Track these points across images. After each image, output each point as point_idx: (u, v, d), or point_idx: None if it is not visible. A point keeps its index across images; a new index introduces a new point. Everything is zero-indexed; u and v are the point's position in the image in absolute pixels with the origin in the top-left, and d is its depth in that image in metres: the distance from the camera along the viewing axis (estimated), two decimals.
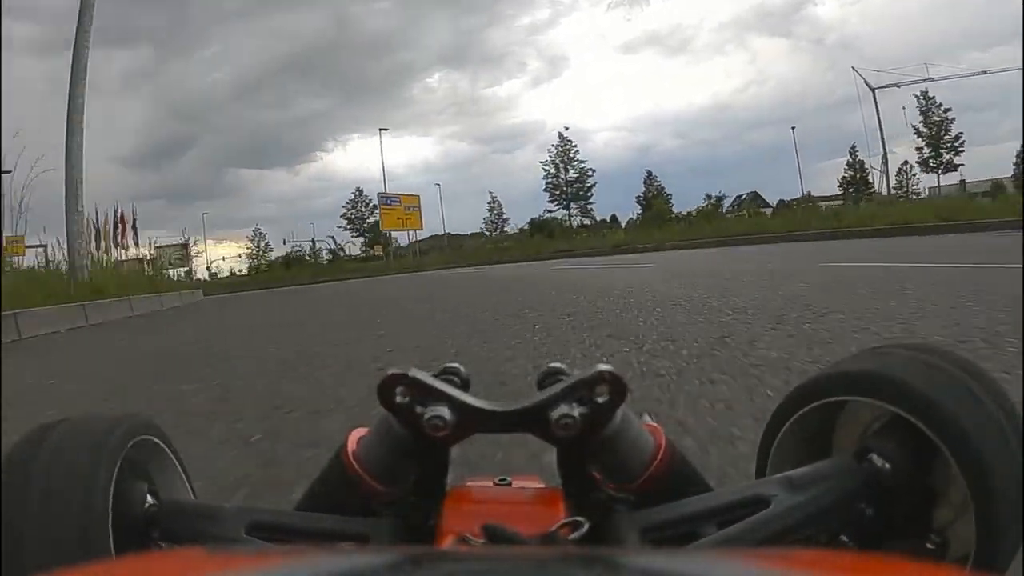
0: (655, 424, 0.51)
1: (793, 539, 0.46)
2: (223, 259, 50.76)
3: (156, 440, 0.55)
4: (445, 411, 0.43)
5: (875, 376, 0.50)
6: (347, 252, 50.34)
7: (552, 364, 0.50)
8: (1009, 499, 0.44)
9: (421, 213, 42.62)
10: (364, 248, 49.09)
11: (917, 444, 0.47)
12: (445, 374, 0.49)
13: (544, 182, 49.04)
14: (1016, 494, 0.44)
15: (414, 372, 0.44)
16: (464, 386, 0.48)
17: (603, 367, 0.43)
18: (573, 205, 48.77)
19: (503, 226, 48.59)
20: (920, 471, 0.48)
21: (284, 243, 51.16)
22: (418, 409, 0.43)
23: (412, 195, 43.00)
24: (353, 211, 52.00)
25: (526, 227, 43.50)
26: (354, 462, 0.47)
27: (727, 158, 69.16)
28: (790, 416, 0.57)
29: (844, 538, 0.49)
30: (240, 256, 50.66)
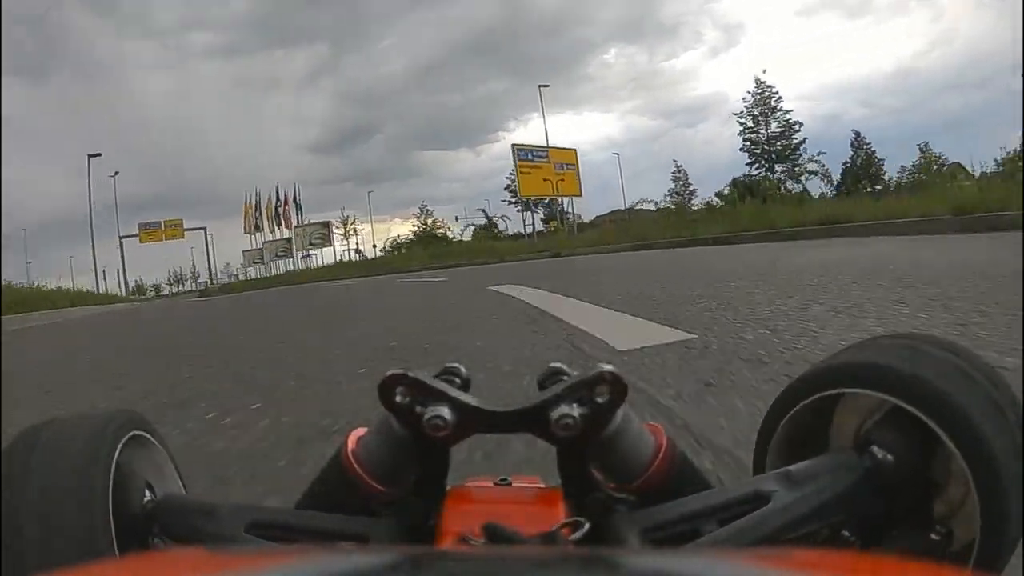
0: (656, 424, 0.51)
1: (794, 535, 0.46)
2: (397, 237, 47.39)
3: (147, 435, 0.56)
4: (445, 411, 0.43)
5: (874, 367, 0.50)
6: (502, 228, 43.29)
7: (553, 364, 0.50)
8: (1014, 487, 0.44)
9: (580, 174, 31.53)
10: (544, 224, 38.25)
11: (918, 435, 0.47)
12: (445, 374, 0.49)
13: (740, 139, 37.41)
14: (1020, 482, 0.44)
15: (414, 372, 0.44)
16: (464, 386, 0.48)
17: (604, 367, 0.43)
18: (778, 167, 36.49)
19: (690, 198, 36.58)
20: (922, 462, 0.48)
21: (456, 220, 46.68)
22: (418, 409, 0.43)
23: (566, 149, 31.95)
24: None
25: (715, 198, 27.98)
26: (354, 462, 0.47)
27: (917, 125, 63.40)
28: (788, 411, 0.57)
29: (846, 533, 0.49)
30: (409, 235, 45.78)
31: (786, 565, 0.28)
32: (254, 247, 49.74)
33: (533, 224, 34.11)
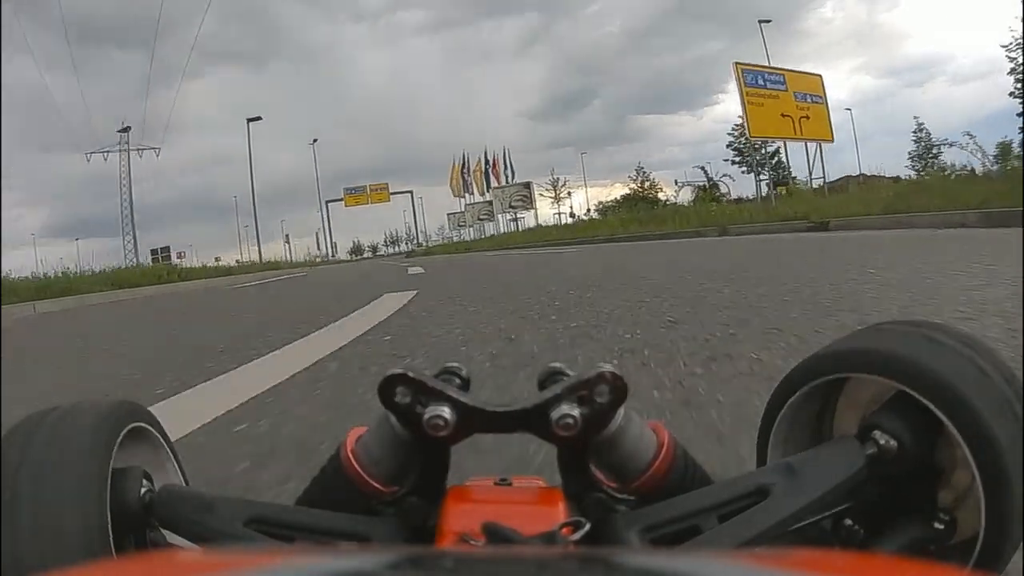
0: (658, 423, 0.50)
1: (796, 526, 0.45)
2: (598, 203, 46.36)
3: (147, 427, 0.56)
4: (446, 411, 0.43)
5: (878, 352, 0.49)
6: (723, 191, 36.34)
7: (553, 364, 0.50)
8: (1018, 477, 0.43)
9: (829, 114, 21.19)
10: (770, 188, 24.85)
11: (922, 422, 0.47)
12: (446, 374, 0.49)
13: (1000, 86, 22.52)
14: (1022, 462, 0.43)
15: (415, 372, 0.44)
16: (464, 386, 0.48)
17: (604, 367, 0.43)
18: None
19: (932, 162, 27.89)
20: (926, 449, 0.47)
21: (676, 183, 41.14)
22: (419, 409, 0.43)
23: (809, 74, 21.75)
24: (742, 138, 33.52)
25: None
26: (353, 461, 0.47)
27: None
28: (788, 397, 0.57)
29: (848, 521, 0.49)
30: (618, 198, 43.82)
31: (786, 565, 0.28)
32: (459, 210, 50.90)
33: (766, 185, 23.90)
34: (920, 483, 0.49)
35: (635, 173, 44.15)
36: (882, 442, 0.48)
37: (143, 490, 0.49)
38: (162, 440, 0.58)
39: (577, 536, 0.42)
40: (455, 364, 0.50)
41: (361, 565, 0.27)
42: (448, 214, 53.98)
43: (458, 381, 0.48)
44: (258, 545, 0.45)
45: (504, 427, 0.44)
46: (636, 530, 0.45)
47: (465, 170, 50.24)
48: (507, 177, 48.13)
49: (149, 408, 0.58)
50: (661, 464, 0.48)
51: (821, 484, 0.46)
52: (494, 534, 0.39)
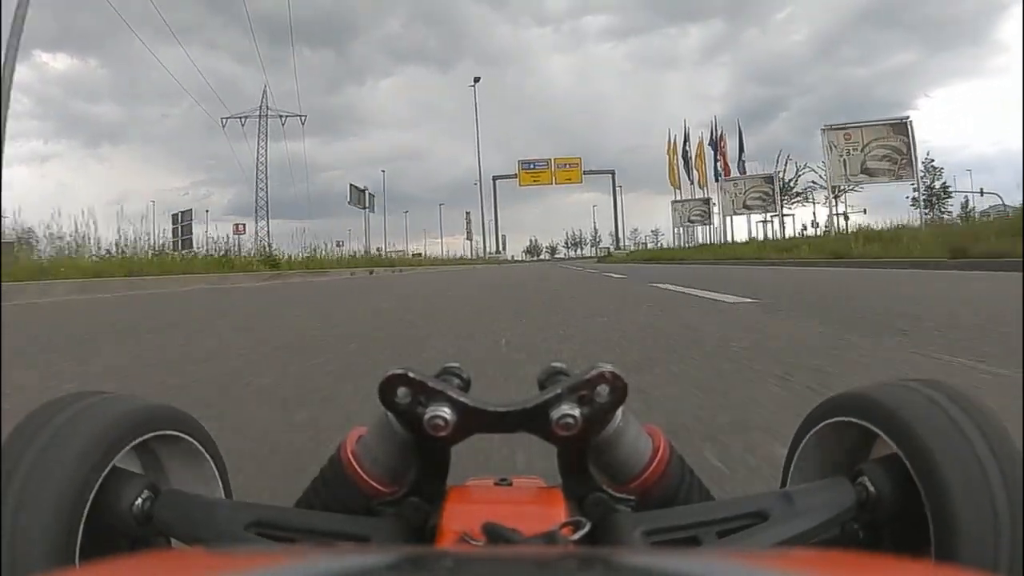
0: (654, 426, 0.51)
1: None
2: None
3: (188, 438, 0.54)
4: (446, 411, 0.43)
5: (880, 405, 0.50)
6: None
7: (553, 364, 0.50)
8: (973, 560, 0.41)
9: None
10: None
11: (906, 480, 0.46)
12: (446, 374, 0.49)
13: None
14: (983, 557, 0.41)
15: (415, 372, 0.44)
16: (465, 386, 0.48)
17: (604, 366, 0.43)
18: None
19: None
20: (908, 505, 0.47)
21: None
22: (419, 409, 0.43)
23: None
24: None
25: None
26: (353, 461, 0.47)
27: None
28: (809, 431, 0.58)
29: None
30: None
31: (786, 565, 0.28)
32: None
33: None
34: (901, 534, 0.48)
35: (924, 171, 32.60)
36: (868, 487, 0.48)
37: (141, 498, 0.48)
38: (202, 449, 0.56)
39: (577, 536, 0.42)
40: (455, 364, 0.50)
41: (361, 565, 0.27)
42: (673, 202, 42.17)
43: (458, 381, 0.48)
44: (259, 547, 0.45)
45: (504, 427, 0.44)
46: (637, 532, 0.45)
47: (687, 148, 36.66)
48: (740, 165, 35.62)
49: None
50: (658, 466, 0.48)
51: (813, 517, 0.47)
52: (494, 534, 0.39)
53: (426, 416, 0.43)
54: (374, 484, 0.47)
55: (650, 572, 0.26)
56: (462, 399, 0.44)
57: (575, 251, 70.47)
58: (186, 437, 0.55)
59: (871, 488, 0.48)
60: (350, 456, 0.48)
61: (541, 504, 0.46)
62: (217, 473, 0.58)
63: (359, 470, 0.47)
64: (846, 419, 0.53)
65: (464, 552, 0.37)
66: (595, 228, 61.36)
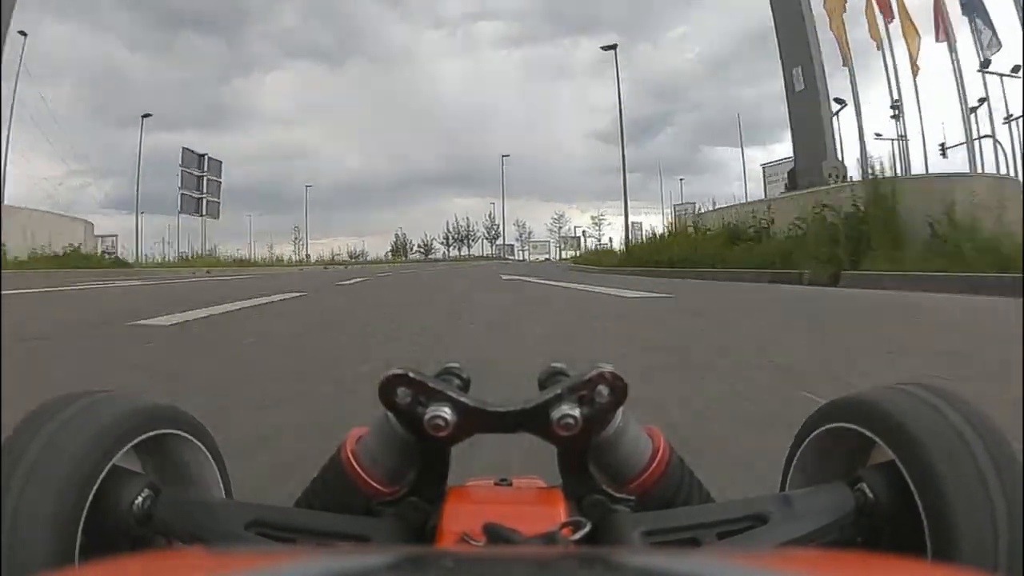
0: (653, 427, 0.51)
1: None
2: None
3: (189, 437, 0.54)
4: (446, 411, 0.43)
5: (879, 411, 0.49)
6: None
7: (553, 364, 0.50)
8: (972, 564, 0.41)
9: None
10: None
11: (907, 485, 0.46)
12: (446, 374, 0.49)
13: None
14: (981, 562, 0.41)
15: (415, 372, 0.44)
16: (465, 387, 0.48)
17: (604, 366, 0.43)
18: None
19: None
20: (905, 513, 0.46)
21: None
22: (419, 409, 0.43)
23: None
24: None
25: None
26: (353, 461, 0.47)
27: None
28: (807, 436, 0.58)
29: None
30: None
31: (786, 565, 0.28)
32: None
33: None
34: (899, 540, 0.48)
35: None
36: (866, 493, 0.48)
37: (141, 498, 0.47)
38: (206, 452, 0.56)
39: (577, 536, 0.42)
40: (455, 364, 0.50)
41: (361, 565, 0.27)
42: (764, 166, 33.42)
43: (458, 381, 0.48)
44: (259, 547, 0.45)
45: (505, 427, 0.44)
46: (637, 532, 0.45)
47: None
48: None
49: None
50: (658, 466, 0.48)
51: (812, 522, 0.47)
52: (495, 534, 0.39)
53: (426, 416, 0.43)
54: (374, 484, 0.47)
55: (650, 572, 0.26)
56: (462, 399, 0.44)
57: (459, 249, 61.87)
58: (186, 436, 0.54)
59: (869, 494, 0.48)
60: (350, 456, 0.48)
61: (541, 504, 0.46)
62: (217, 472, 0.58)
63: (359, 470, 0.47)
64: (844, 425, 0.53)
65: (464, 552, 0.37)
66: (490, 220, 58.37)
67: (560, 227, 56.73)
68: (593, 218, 52.94)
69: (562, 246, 54.00)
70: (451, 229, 58.68)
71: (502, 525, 0.39)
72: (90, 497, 0.43)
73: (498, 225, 57.16)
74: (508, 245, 58.40)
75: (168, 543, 0.48)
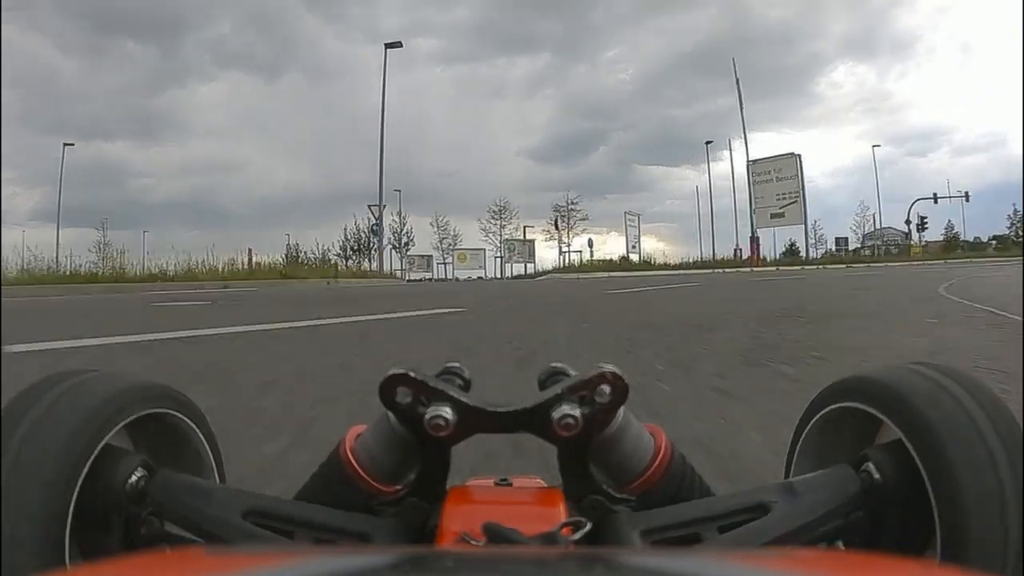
0: (656, 425, 0.51)
1: (792, 545, 0.45)
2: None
3: (182, 417, 0.54)
4: (447, 411, 0.43)
5: (886, 389, 0.49)
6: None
7: (554, 364, 0.50)
8: (981, 547, 0.41)
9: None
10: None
11: (915, 464, 0.45)
12: (446, 374, 0.49)
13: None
14: (993, 547, 0.40)
15: (416, 372, 0.44)
16: (465, 387, 0.48)
17: (605, 367, 0.43)
18: None
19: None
20: (913, 492, 0.46)
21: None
22: (419, 409, 0.43)
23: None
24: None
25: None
26: (352, 459, 0.47)
27: None
28: (812, 418, 0.57)
29: (841, 546, 0.49)
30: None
31: (786, 565, 0.28)
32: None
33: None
34: (906, 519, 0.48)
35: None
36: (872, 474, 0.48)
37: (135, 477, 0.47)
38: (200, 433, 0.56)
39: (577, 536, 0.42)
40: (456, 364, 0.50)
41: (362, 565, 0.27)
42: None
43: (459, 381, 0.48)
44: (256, 539, 0.45)
45: (505, 427, 0.44)
46: (637, 532, 0.45)
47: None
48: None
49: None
50: (659, 466, 0.48)
51: (818, 507, 0.46)
52: (495, 534, 0.39)
53: (427, 416, 0.43)
54: (373, 482, 0.47)
55: (649, 572, 0.26)
56: (463, 399, 0.44)
57: (359, 262, 47.16)
58: (180, 416, 0.54)
59: (876, 475, 0.47)
60: (349, 454, 0.48)
61: (541, 504, 0.46)
62: (211, 455, 0.58)
63: (358, 468, 0.47)
64: (850, 405, 0.52)
65: (464, 552, 0.37)
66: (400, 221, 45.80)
67: (501, 225, 46.71)
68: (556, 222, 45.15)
69: (506, 255, 44.54)
70: (348, 236, 47.32)
71: (502, 525, 0.39)
72: (83, 474, 0.43)
73: (408, 230, 46.59)
74: (423, 257, 46.56)
75: (161, 524, 0.48)
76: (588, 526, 0.42)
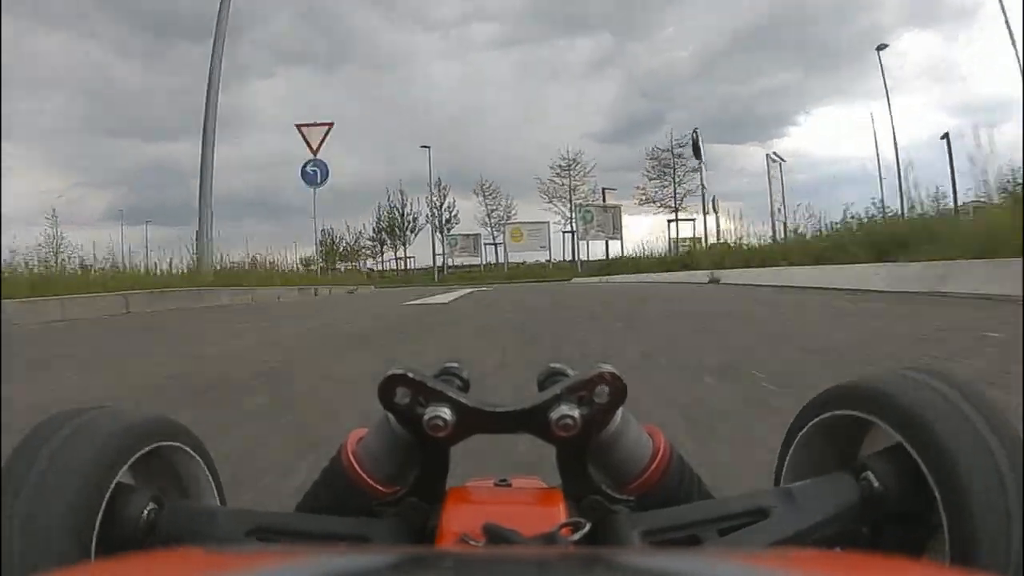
0: (654, 426, 0.51)
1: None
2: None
3: (183, 447, 0.54)
4: (446, 411, 0.43)
5: (881, 395, 0.49)
6: None
7: (552, 364, 0.50)
8: (992, 547, 0.41)
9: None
10: None
11: (915, 469, 0.46)
12: (445, 374, 0.49)
13: None
14: (1003, 547, 0.41)
15: (414, 372, 0.44)
16: (464, 387, 0.48)
17: (603, 367, 0.43)
18: None
19: None
20: (914, 499, 0.46)
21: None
22: (418, 410, 0.43)
23: None
24: None
25: None
26: (354, 463, 0.47)
27: None
28: (804, 426, 0.57)
29: (839, 551, 0.49)
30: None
31: (786, 565, 0.28)
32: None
33: None
34: (905, 529, 0.48)
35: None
36: (872, 483, 0.48)
37: (147, 511, 0.47)
38: (198, 459, 0.57)
39: (577, 537, 0.42)
40: (455, 364, 0.50)
41: (361, 566, 0.27)
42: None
43: (458, 382, 0.48)
44: (259, 548, 0.45)
45: (504, 427, 0.44)
46: (637, 532, 0.45)
47: None
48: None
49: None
50: (658, 467, 0.48)
51: (816, 513, 0.46)
52: (494, 535, 0.39)
53: (425, 416, 0.43)
54: (375, 485, 0.47)
55: (648, 573, 0.26)
56: (461, 399, 0.44)
57: (396, 249, 43.88)
58: (181, 446, 0.55)
59: (875, 482, 0.47)
60: (351, 457, 0.48)
61: (541, 505, 0.46)
62: (211, 480, 0.58)
63: (360, 471, 0.47)
64: (844, 412, 0.52)
65: (464, 552, 0.37)
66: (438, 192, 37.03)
67: (571, 185, 34.60)
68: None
69: (579, 228, 32.85)
70: (382, 215, 39.05)
71: (501, 526, 0.39)
72: (99, 517, 0.43)
73: (450, 204, 37.79)
74: (468, 236, 38.01)
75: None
76: (587, 527, 0.42)
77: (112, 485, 0.45)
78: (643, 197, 32.28)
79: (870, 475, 0.48)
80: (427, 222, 37.93)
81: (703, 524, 0.46)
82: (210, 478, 0.58)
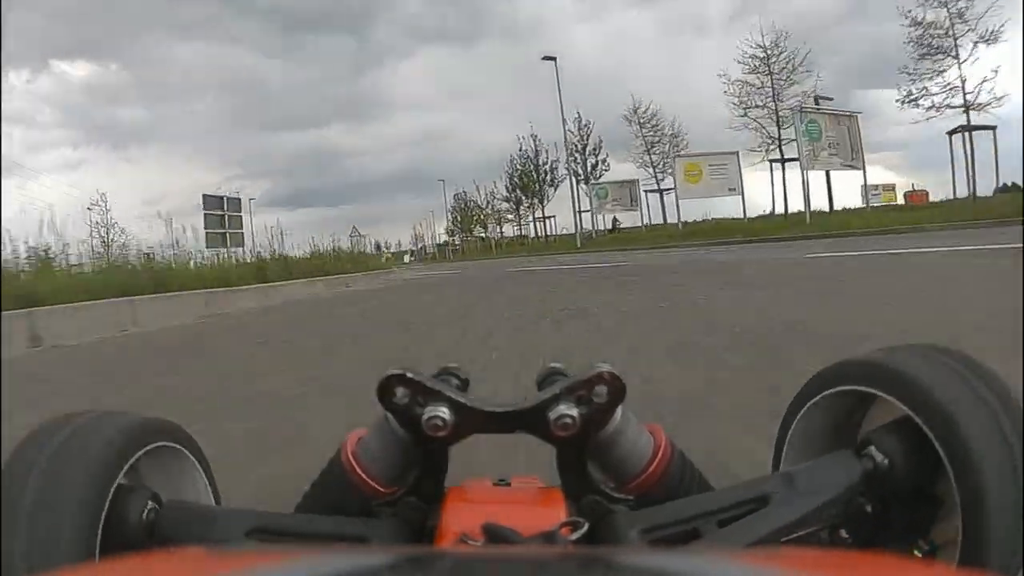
0: (655, 424, 0.51)
1: (794, 535, 0.45)
2: None
3: (178, 447, 0.55)
4: (445, 411, 0.43)
5: (886, 369, 0.49)
6: None
7: (551, 364, 0.50)
8: (1003, 514, 0.42)
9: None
10: None
11: (920, 444, 0.46)
12: (444, 374, 0.49)
13: None
14: (1011, 509, 0.42)
15: (413, 373, 0.44)
16: (463, 387, 0.48)
17: (602, 367, 0.43)
18: None
19: None
20: (919, 472, 0.47)
21: None
22: (417, 410, 0.44)
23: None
24: None
25: None
26: (354, 463, 0.47)
27: None
28: (804, 405, 0.57)
29: (844, 533, 0.49)
30: None
31: (785, 564, 0.28)
32: None
33: None
34: (911, 503, 0.48)
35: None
36: (876, 459, 0.47)
37: (147, 510, 0.48)
38: (193, 459, 0.57)
39: (576, 536, 0.42)
40: (454, 364, 0.50)
41: (360, 565, 0.27)
42: None
43: (456, 382, 0.48)
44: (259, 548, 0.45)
45: (503, 427, 0.44)
46: (635, 531, 0.45)
47: None
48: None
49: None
50: (659, 465, 0.48)
51: (819, 495, 0.46)
52: (493, 534, 0.39)
53: (424, 416, 0.43)
54: (374, 485, 0.47)
55: (647, 572, 0.26)
56: (460, 399, 0.44)
57: (533, 210, 36.73)
58: (177, 447, 0.55)
59: (879, 457, 0.47)
60: (350, 457, 0.48)
61: (540, 504, 0.46)
62: (206, 479, 0.58)
63: (359, 471, 0.47)
64: (846, 388, 0.52)
65: (463, 552, 0.37)
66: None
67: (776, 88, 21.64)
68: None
69: (593, 201, 27.75)
70: (515, 166, 33.26)
71: (501, 525, 0.39)
72: (102, 518, 0.43)
73: (596, 147, 29.09)
74: (622, 184, 29.20)
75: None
76: (586, 526, 0.42)
77: (112, 489, 0.45)
78: (906, 95, 19.46)
79: (873, 450, 0.48)
80: (567, 171, 29.62)
81: (703, 517, 0.46)
82: (205, 478, 0.58)
